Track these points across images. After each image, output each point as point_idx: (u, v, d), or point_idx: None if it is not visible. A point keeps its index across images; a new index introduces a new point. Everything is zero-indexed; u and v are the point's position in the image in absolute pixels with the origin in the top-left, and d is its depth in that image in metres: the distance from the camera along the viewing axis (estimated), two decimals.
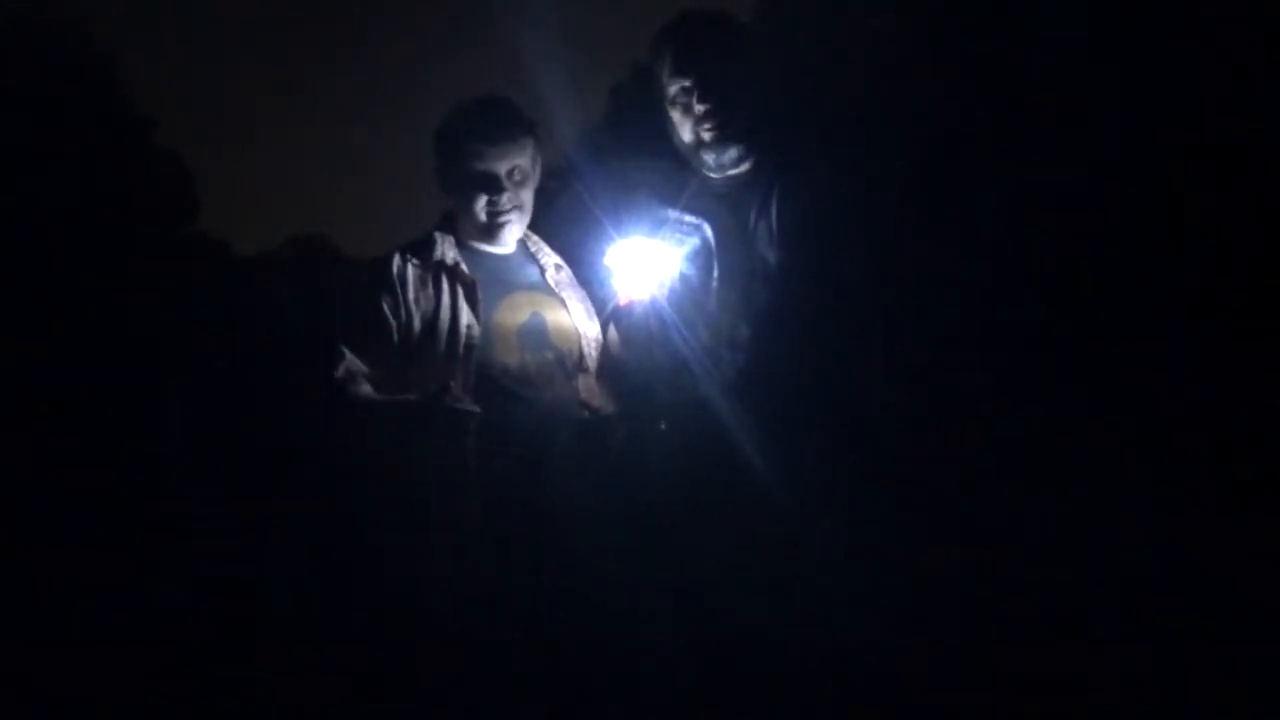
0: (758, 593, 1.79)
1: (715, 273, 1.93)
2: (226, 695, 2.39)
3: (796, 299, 1.85)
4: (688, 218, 1.96)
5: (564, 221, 2.10)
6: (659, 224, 1.97)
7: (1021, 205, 2.06)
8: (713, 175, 1.96)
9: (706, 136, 1.90)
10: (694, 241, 1.95)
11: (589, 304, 2.09)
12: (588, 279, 2.10)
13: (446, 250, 2.01)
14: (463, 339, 1.94)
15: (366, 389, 1.91)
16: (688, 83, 1.89)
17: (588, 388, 2.03)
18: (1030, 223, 2.07)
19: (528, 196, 2.04)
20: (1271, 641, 1.83)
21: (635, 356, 1.98)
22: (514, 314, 2.01)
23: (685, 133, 1.93)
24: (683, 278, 1.96)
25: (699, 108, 1.89)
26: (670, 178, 2.01)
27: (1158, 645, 1.88)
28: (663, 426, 1.92)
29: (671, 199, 1.99)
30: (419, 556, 1.89)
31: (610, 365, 2.05)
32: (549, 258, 2.11)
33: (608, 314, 2.04)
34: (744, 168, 1.95)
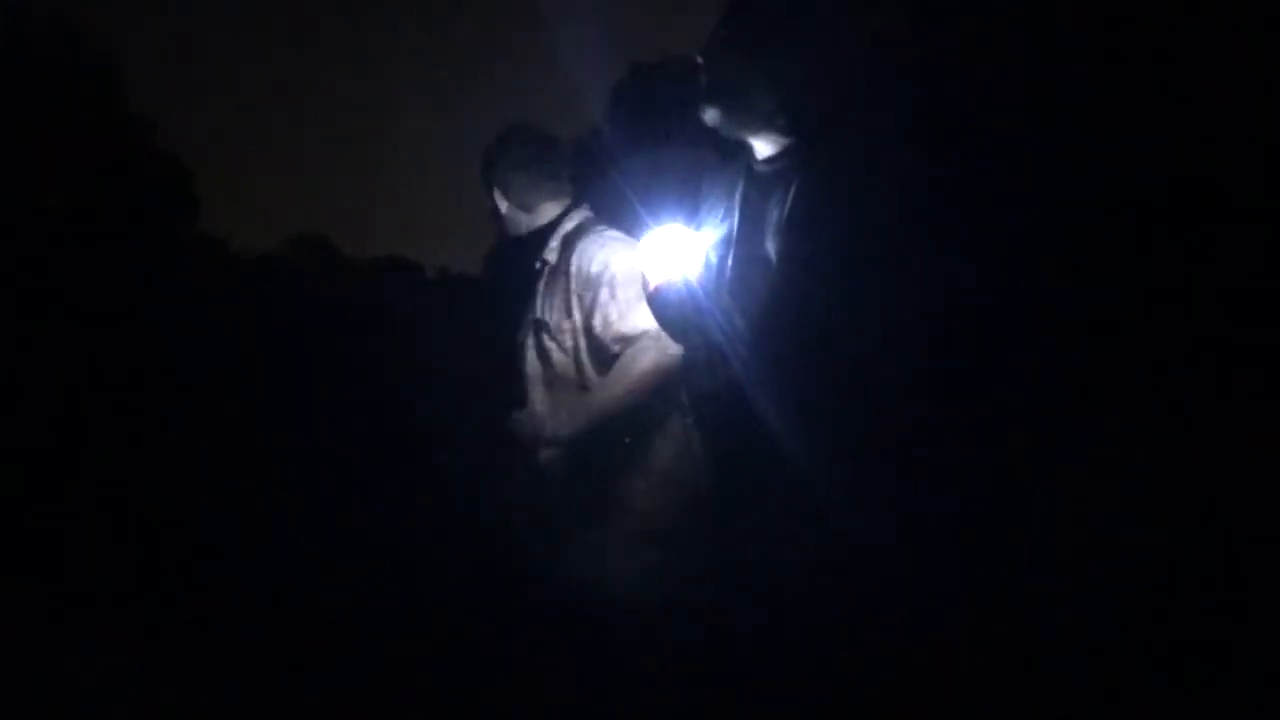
0: (790, 581, 1.79)
1: (730, 261, 1.93)
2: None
3: (791, 291, 1.84)
4: (719, 204, 1.96)
5: (597, 207, 2.10)
6: (692, 210, 1.97)
7: (1040, 199, 2.06)
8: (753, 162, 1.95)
9: None
10: (723, 229, 1.95)
11: None
12: None
13: None
14: None
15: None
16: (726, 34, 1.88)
17: None
18: (1050, 216, 2.07)
19: None
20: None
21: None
22: None
23: None
24: (708, 265, 1.96)
25: None
26: (706, 164, 2.01)
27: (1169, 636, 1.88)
28: (626, 440, 1.92)
29: (707, 185, 1.99)
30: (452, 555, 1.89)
31: None
32: None
33: None
34: (780, 140, 1.92)
